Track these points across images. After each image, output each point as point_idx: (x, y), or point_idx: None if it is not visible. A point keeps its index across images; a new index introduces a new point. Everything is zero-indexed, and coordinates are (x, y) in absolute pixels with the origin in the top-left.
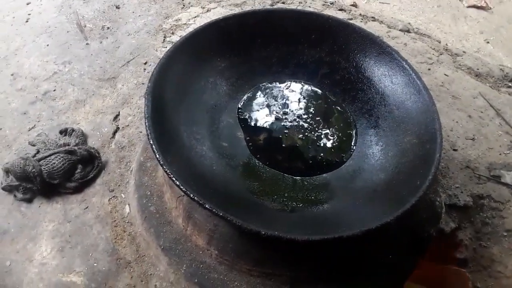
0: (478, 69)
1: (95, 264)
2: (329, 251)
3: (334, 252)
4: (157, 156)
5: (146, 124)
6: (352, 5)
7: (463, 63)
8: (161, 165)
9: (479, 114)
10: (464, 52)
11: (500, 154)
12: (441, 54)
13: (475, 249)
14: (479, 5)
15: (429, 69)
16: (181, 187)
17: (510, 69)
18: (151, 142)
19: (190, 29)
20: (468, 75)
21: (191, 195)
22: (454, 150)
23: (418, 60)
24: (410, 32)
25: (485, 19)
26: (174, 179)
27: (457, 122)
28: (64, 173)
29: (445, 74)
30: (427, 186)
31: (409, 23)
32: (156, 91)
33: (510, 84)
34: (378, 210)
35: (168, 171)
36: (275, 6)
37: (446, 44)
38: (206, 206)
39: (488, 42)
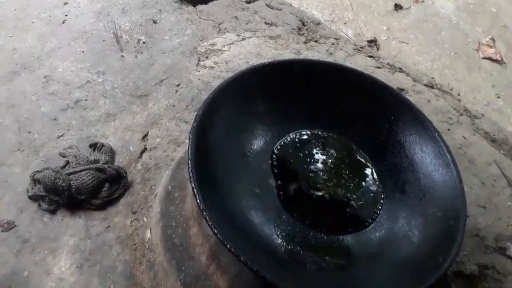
0: (494, 135)
1: (112, 287)
2: None
3: None
4: (198, 201)
5: (189, 164)
6: (372, 40)
7: (481, 127)
8: (201, 210)
9: (492, 182)
10: (482, 115)
11: (508, 226)
12: (461, 115)
13: None
14: (494, 58)
15: (448, 129)
16: (220, 238)
17: None
18: (193, 185)
19: (224, 55)
20: (484, 139)
21: (232, 249)
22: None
23: (439, 119)
24: (433, 88)
25: (498, 73)
26: (213, 227)
27: (470, 187)
28: (92, 190)
29: (463, 137)
30: (449, 264)
31: (433, 78)
32: (200, 131)
33: None
34: (400, 281)
35: (207, 218)
36: (313, 53)
37: (460, 96)
38: (249, 265)
39: (499, 97)
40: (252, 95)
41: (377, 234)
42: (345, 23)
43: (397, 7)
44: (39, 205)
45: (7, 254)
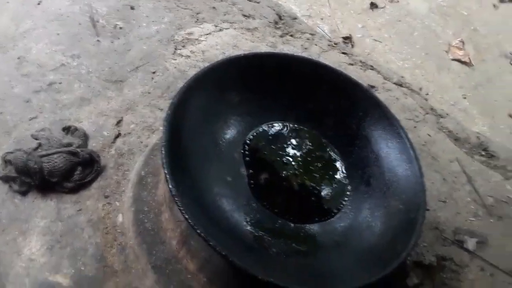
0: (457, 133)
1: (82, 268)
2: None
3: None
4: (171, 187)
5: (163, 151)
6: (347, 37)
7: (445, 125)
8: (173, 196)
9: (453, 179)
10: (447, 114)
11: (466, 220)
12: (427, 114)
13: None
14: (463, 60)
15: (415, 127)
16: (191, 223)
17: (486, 138)
18: (166, 171)
19: (201, 45)
20: (448, 138)
21: (202, 234)
22: (427, 210)
23: (406, 116)
24: (402, 87)
25: (466, 74)
26: (184, 212)
27: (433, 183)
28: (64, 173)
29: (428, 134)
30: (407, 254)
31: (402, 77)
32: (174, 119)
33: (483, 153)
34: (361, 268)
35: (179, 203)
36: (289, 47)
37: (428, 95)
38: (218, 250)
39: (465, 98)
40: (227, 85)
41: (342, 224)
42: (322, 19)
43: (373, 5)
44: (10, 186)
45: None
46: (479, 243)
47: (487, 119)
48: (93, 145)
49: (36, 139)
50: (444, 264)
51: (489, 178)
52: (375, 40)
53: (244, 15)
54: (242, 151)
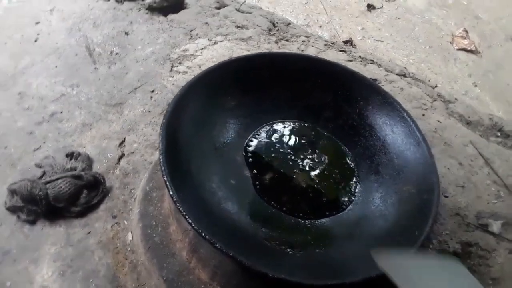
0: (469, 117)
1: None
2: None
3: None
4: (171, 193)
5: (161, 160)
6: (348, 41)
7: (455, 110)
8: (174, 202)
9: (469, 162)
10: (456, 99)
11: (488, 203)
12: (434, 100)
13: None
14: (468, 48)
15: (423, 115)
16: (195, 227)
17: (499, 118)
18: (165, 178)
19: (197, 60)
20: (459, 122)
21: (207, 237)
22: (445, 196)
23: (413, 105)
24: (406, 77)
25: (474, 62)
26: (187, 217)
27: (448, 169)
28: (70, 197)
29: (438, 121)
30: (425, 237)
31: (405, 68)
32: (170, 127)
33: (499, 134)
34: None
35: (181, 209)
36: (284, 50)
37: (436, 85)
38: (225, 251)
39: (476, 86)
40: (222, 90)
41: (354, 215)
42: (320, 26)
43: (370, 7)
44: (18, 217)
45: None
46: (504, 225)
47: (501, 104)
48: (97, 167)
49: (40, 167)
50: (470, 250)
51: (508, 158)
52: (376, 40)
53: (237, 26)
54: (244, 153)
